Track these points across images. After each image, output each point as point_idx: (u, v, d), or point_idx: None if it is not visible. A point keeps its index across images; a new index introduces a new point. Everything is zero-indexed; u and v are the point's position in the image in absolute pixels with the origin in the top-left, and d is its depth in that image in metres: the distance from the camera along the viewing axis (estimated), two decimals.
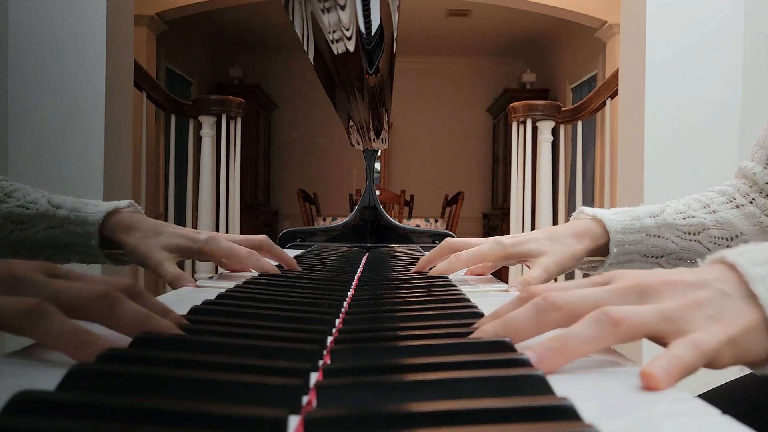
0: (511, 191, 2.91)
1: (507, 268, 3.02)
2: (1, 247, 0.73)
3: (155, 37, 4.74)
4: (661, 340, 0.35)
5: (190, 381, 0.27)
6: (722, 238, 0.73)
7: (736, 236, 0.73)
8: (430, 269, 0.76)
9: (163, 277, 0.70)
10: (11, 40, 1.87)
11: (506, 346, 0.35)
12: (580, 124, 2.88)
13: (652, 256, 0.74)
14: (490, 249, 0.73)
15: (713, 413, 0.25)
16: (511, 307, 0.40)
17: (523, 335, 0.36)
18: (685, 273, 0.37)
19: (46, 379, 0.28)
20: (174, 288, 0.68)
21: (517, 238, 0.74)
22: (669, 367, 0.30)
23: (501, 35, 6.46)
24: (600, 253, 0.75)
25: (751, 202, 0.75)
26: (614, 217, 0.74)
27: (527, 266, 0.74)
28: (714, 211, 0.74)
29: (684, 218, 0.74)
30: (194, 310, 0.45)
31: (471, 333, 0.38)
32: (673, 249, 0.73)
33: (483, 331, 0.37)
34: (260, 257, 0.73)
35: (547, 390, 0.27)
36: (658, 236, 0.73)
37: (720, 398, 0.71)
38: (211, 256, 0.74)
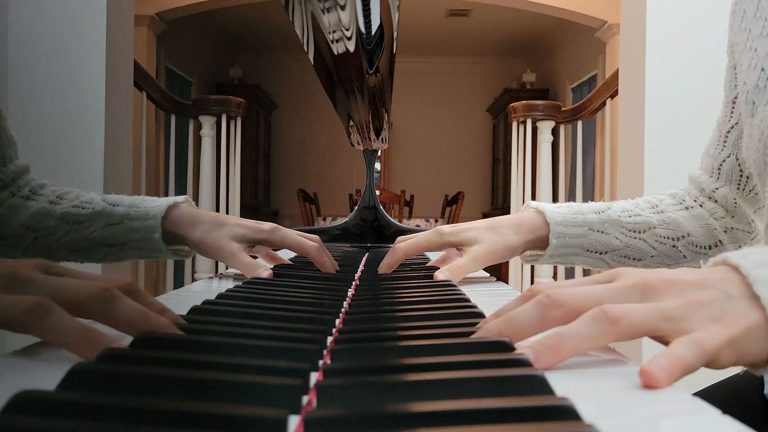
0: (511, 191, 2.91)
1: (507, 269, 3.02)
2: (56, 248, 0.74)
3: (155, 37, 4.74)
4: (661, 339, 0.35)
5: (190, 381, 0.27)
6: (668, 237, 0.75)
7: (683, 236, 0.75)
8: (431, 269, 0.76)
9: (236, 266, 0.71)
10: (11, 40, 1.87)
11: (506, 346, 0.35)
12: (580, 124, 2.88)
13: (596, 252, 0.75)
14: (427, 238, 0.76)
15: (713, 413, 0.25)
16: (513, 306, 0.40)
17: (526, 333, 0.36)
18: (688, 273, 0.37)
19: (46, 379, 0.28)
20: (251, 276, 0.68)
21: (458, 227, 0.76)
22: (669, 365, 0.30)
23: (501, 35, 6.45)
24: (543, 245, 0.76)
25: (700, 206, 0.76)
26: (557, 210, 0.75)
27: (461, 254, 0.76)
28: (662, 212, 0.76)
29: (630, 216, 0.75)
30: (194, 310, 0.45)
31: (471, 333, 0.38)
32: (617, 246, 0.75)
33: (486, 330, 0.37)
34: (324, 251, 0.75)
35: (547, 390, 0.27)
36: (602, 232, 0.74)
37: (716, 395, 0.71)
38: (275, 246, 0.76)
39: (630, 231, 0.75)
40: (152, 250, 0.74)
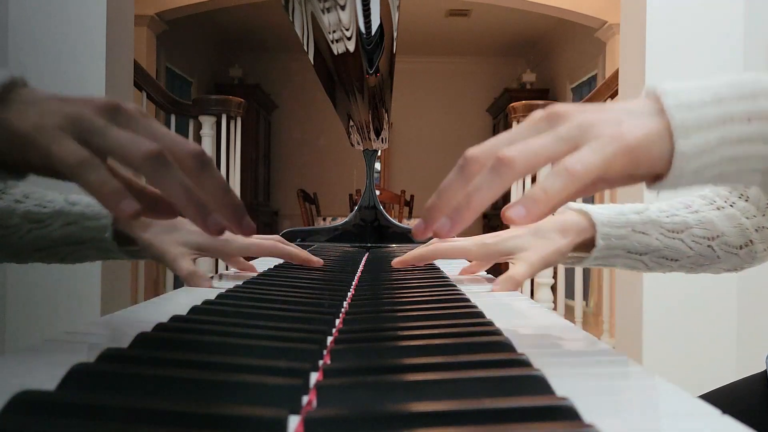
0: (511, 191, 2.91)
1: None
2: (19, 246, 0.73)
3: (155, 37, 4.74)
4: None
5: (190, 381, 0.27)
6: (704, 237, 0.74)
7: (717, 236, 0.74)
8: (432, 269, 0.76)
9: (177, 272, 0.70)
10: (11, 40, 1.87)
11: (506, 346, 0.35)
12: None
13: (636, 253, 0.74)
14: (469, 248, 0.74)
15: (713, 413, 0.25)
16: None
17: (453, 196, 0.39)
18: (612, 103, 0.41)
19: (46, 379, 0.28)
20: (189, 285, 0.68)
21: (499, 236, 0.74)
22: (535, 199, 0.35)
23: (501, 35, 6.45)
24: (585, 248, 0.75)
25: (731, 205, 0.75)
26: (601, 211, 0.74)
27: (511, 262, 0.74)
28: (696, 211, 0.75)
29: (668, 216, 0.74)
30: (194, 310, 0.45)
31: (471, 333, 0.38)
32: (657, 246, 0.74)
33: (424, 210, 0.40)
34: (285, 243, 0.74)
35: (547, 390, 0.27)
36: (643, 233, 0.73)
37: (719, 400, 0.71)
38: (234, 252, 0.74)
39: (669, 231, 0.74)
40: (107, 250, 0.74)
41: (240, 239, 0.74)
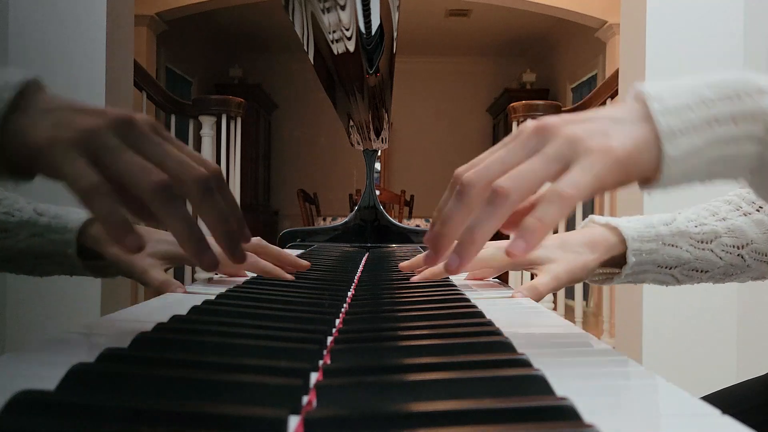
0: None
1: (507, 273, 3.02)
2: None
3: (155, 37, 4.74)
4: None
5: (190, 381, 0.27)
6: (734, 246, 0.71)
7: (747, 244, 0.71)
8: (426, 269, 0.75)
9: (149, 284, 0.67)
10: (11, 40, 1.87)
11: (506, 346, 0.35)
12: None
13: (666, 267, 0.70)
14: (492, 255, 0.71)
15: (713, 413, 0.25)
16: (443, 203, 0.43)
17: (458, 224, 0.40)
18: (594, 110, 0.42)
19: (46, 379, 0.28)
20: (161, 294, 0.64)
21: None
22: (533, 230, 0.36)
23: (501, 35, 6.45)
24: (613, 264, 0.71)
25: (758, 210, 0.72)
26: (629, 224, 0.70)
27: (534, 273, 0.71)
28: (724, 219, 0.72)
29: (696, 226, 0.71)
30: (194, 310, 0.45)
31: (471, 333, 0.38)
32: (687, 259, 0.70)
33: (427, 239, 0.41)
34: (258, 258, 0.70)
35: (547, 390, 0.27)
36: (672, 245, 0.70)
37: (720, 402, 0.71)
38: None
39: (698, 242, 0.71)
40: (71, 266, 0.70)
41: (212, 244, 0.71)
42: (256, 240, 0.74)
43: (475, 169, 0.40)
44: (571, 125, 0.39)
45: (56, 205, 0.72)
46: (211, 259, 0.40)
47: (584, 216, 0.85)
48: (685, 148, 0.38)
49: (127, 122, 0.39)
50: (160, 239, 0.70)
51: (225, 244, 0.41)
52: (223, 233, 0.40)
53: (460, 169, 0.41)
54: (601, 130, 0.38)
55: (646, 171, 0.39)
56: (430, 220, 0.43)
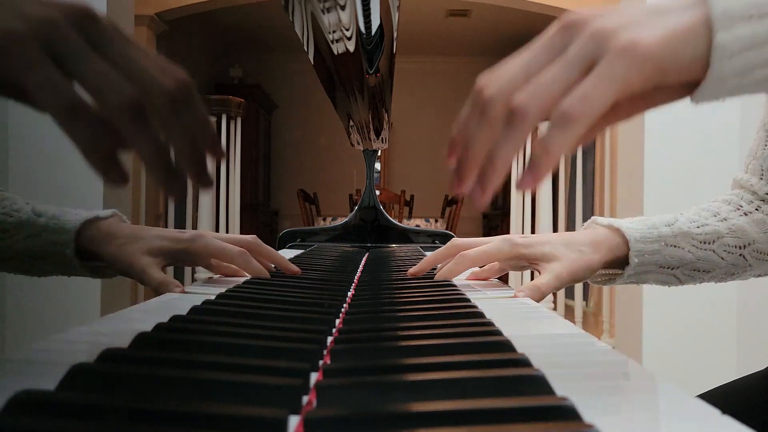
0: (511, 192, 2.91)
1: (508, 273, 3.01)
2: None
3: (155, 37, 4.74)
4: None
5: (189, 381, 0.27)
6: (736, 246, 0.71)
7: (749, 244, 0.71)
8: (433, 270, 0.74)
9: (148, 284, 0.66)
10: None
11: (506, 346, 0.35)
12: None
13: (668, 267, 0.70)
14: (499, 248, 0.69)
15: (713, 413, 0.25)
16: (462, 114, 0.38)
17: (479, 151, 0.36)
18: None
19: (46, 379, 0.28)
20: (160, 294, 0.64)
21: (530, 238, 0.70)
22: (538, 162, 0.33)
23: (501, 35, 6.45)
24: (616, 265, 0.71)
25: (757, 209, 0.72)
26: (631, 225, 0.70)
27: (537, 271, 0.70)
28: (725, 219, 0.72)
29: (698, 226, 0.71)
30: (194, 310, 0.45)
31: (471, 333, 0.38)
32: (689, 259, 0.70)
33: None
34: (251, 258, 0.69)
35: (547, 390, 0.27)
36: (674, 246, 0.70)
37: (719, 399, 0.71)
38: (197, 255, 0.70)
39: (700, 243, 0.70)
40: (69, 267, 0.70)
41: (208, 240, 0.69)
42: (251, 238, 0.74)
43: (497, 83, 0.35)
44: (602, 18, 0.33)
45: (55, 205, 0.72)
46: (173, 191, 0.35)
47: (585, 217, 0.86)
48: (742, 36, 0.31)
49: (90, 17, 0.33)
50: (156, 235, 0.70)
51: (191, 169, 0.37)
52: (189, 157, 0.36)
53: (482, 80, 0.36)
54: (636, 21, 0.32)
55: (690, 69, 0.32)
56: (449, 140, 0.39)
